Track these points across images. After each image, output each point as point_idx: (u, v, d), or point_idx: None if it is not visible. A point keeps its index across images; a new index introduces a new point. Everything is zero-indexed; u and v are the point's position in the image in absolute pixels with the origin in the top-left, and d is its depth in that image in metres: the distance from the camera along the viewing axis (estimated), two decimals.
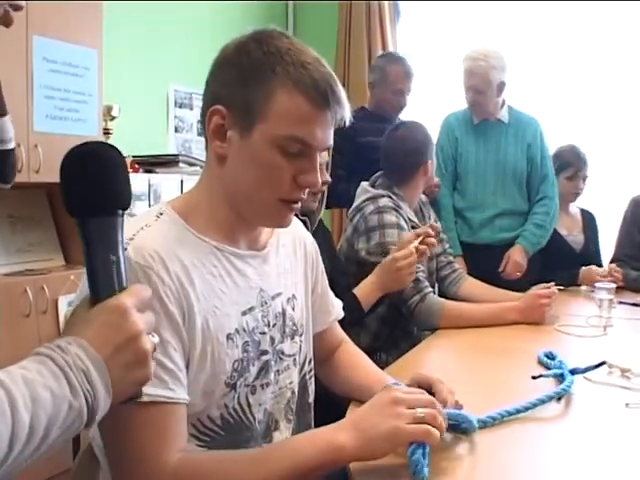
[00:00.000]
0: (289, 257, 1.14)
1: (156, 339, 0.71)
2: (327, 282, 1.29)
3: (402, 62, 3.02)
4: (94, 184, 0.66)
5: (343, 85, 0.99)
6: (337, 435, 0.86)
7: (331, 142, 0.98)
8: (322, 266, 1.26)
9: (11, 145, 1.88)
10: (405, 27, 4.25)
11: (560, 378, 1.29)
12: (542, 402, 1.15)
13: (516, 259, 2.67)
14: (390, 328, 2.08)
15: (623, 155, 3.62)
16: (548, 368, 1.39)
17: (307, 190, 0.98)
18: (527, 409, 1.12)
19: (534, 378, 1.20)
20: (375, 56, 3.73)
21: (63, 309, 2.29)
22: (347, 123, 0.98)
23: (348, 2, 4.24)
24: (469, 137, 2.79)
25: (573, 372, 1.31)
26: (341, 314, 1.32)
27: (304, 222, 1.63)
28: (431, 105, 3.83)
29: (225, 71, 0.96)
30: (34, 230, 2.67)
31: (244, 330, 0.99)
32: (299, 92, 0.92)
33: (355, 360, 1.30)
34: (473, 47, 2.75)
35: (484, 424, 1.05)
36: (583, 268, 2.64)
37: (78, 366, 0.63)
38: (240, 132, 0.94)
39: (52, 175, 2.49)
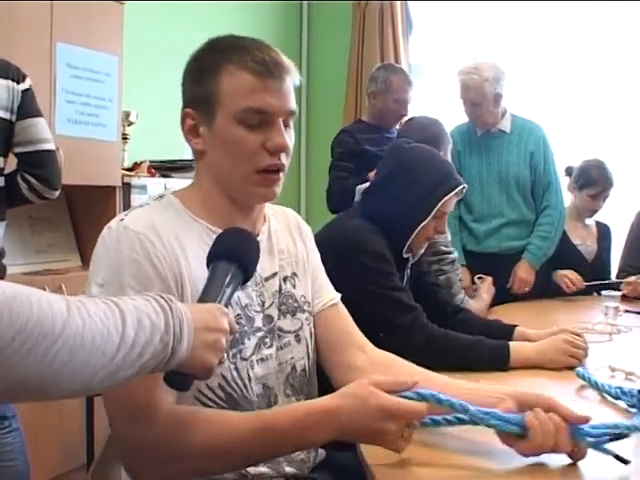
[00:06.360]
0: (285, 239, 1.20)
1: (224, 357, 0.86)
2: (320, 262, 1.29)
3: (403, 72, 3.12)
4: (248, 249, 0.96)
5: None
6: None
7: (290, 106, 1.06)
8: (315, 248, 1.29)
9: (50, 145, 1.93)
10: (417, 39, 4.31)
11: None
12: None
13: (522, 276, 2.70)
14: None
15: (633, 166, 3.63)
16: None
17: (282, 155, 1.06)
18: None
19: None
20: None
21: None
22: (297, 83, 1.09)
23: (362, 2, 4.28)
24: (472, 150, 2.80)
25: None
26: (337, 296, 1.27)
27: None
28: (441, 116, 3.85)
29: (186, 79, 1.11)
30: (52, 231, 2.74)
31: (236, 304, 1.05)
32: (240, 69, 1.04)
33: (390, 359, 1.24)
34: (466, 61, 2.78)
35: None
36: (629, 279, 2.59)
37: (175, 313, 0.77)
38: (207, 125, 1.06)
39: (72, 177, 2.57)
